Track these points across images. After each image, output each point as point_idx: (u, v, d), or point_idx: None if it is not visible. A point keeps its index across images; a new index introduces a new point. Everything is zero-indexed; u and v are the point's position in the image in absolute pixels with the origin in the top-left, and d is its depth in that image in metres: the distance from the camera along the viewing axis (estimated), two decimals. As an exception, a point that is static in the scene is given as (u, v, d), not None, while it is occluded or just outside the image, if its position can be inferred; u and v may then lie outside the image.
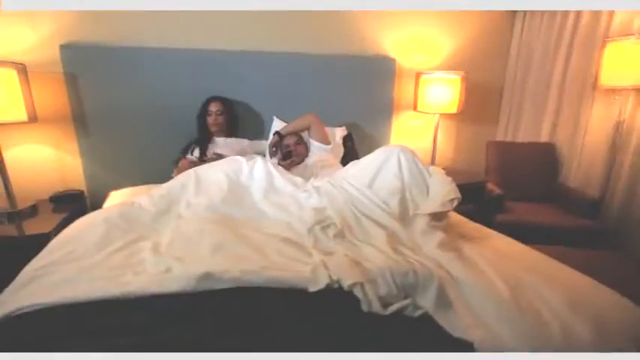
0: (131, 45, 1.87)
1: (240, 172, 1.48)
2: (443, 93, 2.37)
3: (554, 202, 2.41)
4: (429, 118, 2.56)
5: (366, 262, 0.98)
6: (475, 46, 2.60)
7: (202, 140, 1.90)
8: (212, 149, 1.88)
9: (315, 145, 1.99)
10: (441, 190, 1.29)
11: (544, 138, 2.58)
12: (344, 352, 0.73)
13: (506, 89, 2.80)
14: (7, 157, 1.70)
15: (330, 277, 0.90)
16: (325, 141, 2.00)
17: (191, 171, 1.52)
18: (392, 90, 2.48)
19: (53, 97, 1.77)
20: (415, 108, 2.46)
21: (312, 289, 0.89)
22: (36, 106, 1.68)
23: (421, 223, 1.16)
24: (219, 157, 1.74)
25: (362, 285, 0.87)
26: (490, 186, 2.42)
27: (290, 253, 1.08)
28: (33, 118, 1.66)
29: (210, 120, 1.92)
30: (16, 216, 1.65)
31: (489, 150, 2.63)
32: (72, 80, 1.78)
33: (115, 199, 1.70)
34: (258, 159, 1.54)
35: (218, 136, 1.97)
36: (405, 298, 0.88)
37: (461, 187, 2.24)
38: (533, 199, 2.45)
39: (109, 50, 1.83)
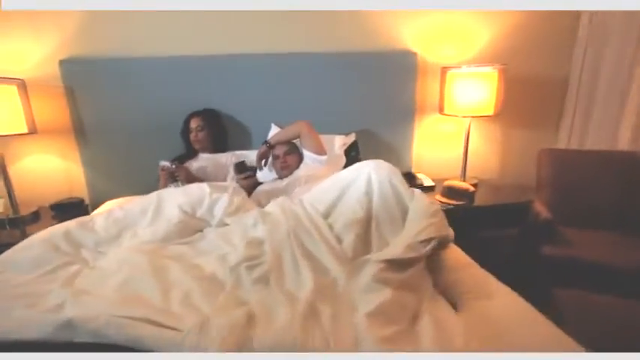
0: (125, 56, 1.86)
1: (199, 206, 1.33)
2: (475, 91, 1.93)
3: (632, 232, 1.81)
4: (461, 121, 2.13)
5: (259, 329, 0.74)
6: (522, 32, 2.09)
7: (186, 157, 1.82)
8: (194, 164, 1.79)
9: (307, 155, 1.76)
10: (414, 226, 0.97)
11: (622, 146, 1.96)
12: None
13: (571, 84, 2.20)
14: (14, 166, 1.82)
15: (194, 342, 0.69)
16: (319, 151, 1.75)
17: (154, 195, 1.42)
18: (413, 90, 2.11)
19: (55, 109, 1.85)
20: (441, 110, 2.06)
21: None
22: (36, 118, 1.77)
23: (369, 273, 0.86)
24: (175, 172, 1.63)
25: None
26: (538, 207, 1.91)
27: (195, 299, 0.89)
28: (33, 130, 1.75)
29: (191, 137, 1.83)
30: (18, 221, 1.75)
31: (542, 160, 2.09)
32: (71, 93, 1.83)
33: (108, 207, 1.71)
34: (224, 197, 1.35)
35: (203, 152, 1.87)
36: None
37: (497, 209, 1.83)
38: (601, 226, 1.87)
39: (104, 63, 1.85)
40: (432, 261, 1.05)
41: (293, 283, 0.91)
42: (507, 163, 2.34)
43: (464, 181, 2.13)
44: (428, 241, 0.92)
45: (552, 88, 2.23)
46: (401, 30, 2.05)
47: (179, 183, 1.60)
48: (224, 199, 1.33)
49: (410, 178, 2.16)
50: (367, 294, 0.81)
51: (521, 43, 2.11)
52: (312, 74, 2.03)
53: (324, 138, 1.84)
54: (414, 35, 2.06)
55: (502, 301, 0.92)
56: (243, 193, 1.47)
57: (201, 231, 1.29)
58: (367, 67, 2.06)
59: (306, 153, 1.76)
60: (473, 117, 2.03)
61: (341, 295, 0.85)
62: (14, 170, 1.86)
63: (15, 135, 1.71)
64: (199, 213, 1.31)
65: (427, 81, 2.13)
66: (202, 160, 1.83)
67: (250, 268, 0.97)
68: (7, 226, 1.71)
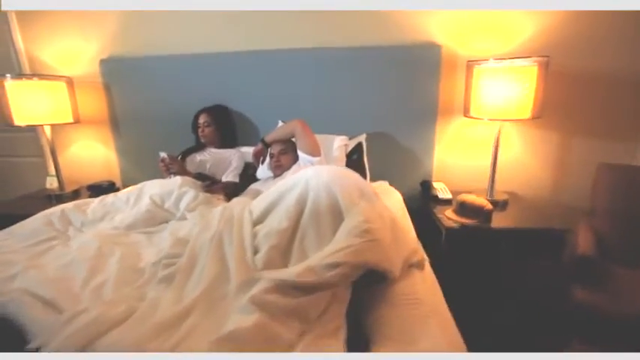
0: (151, 55, 2.03)
1: (168, 198, 1.39)
2: (507, 90, 1.61)
3: None
4: (491, 125, 1.81)
5: (120, 329, 0.73)
6: (575, 20, 1.67)
7: (193, 150, 1.91)
8: (197, 157, 1.87)
9: (300, 156, 1.70)
10: (332, 246, 0.85)
11: None
12: None
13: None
14: (63, 151, 2.16)
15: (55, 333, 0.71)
16: (312, 152, 1.66)
17: (141, 184, 1.53)
18: (436, 88, 1.87)
19: (95, 103, 2.13)
20: (467, 112, 1.77)
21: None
22: (80, 110, 2.06)
23: (252, 291, 0.78)
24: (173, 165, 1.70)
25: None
26: (581, 236, 1.54)
27: (107, 288, 0.92)
28: (77, 120, 2.05)
29: (199, 132, 1.91)
30: (62, 197, 2.07)
31: (600, 177, 1.67)
32: (108, 89, 2.09)
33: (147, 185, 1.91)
34: (191, 191, 1.40)
35: (210, 146, 1.94)
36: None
37: (522, 233, 1.52)
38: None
39: (134, 61, 2.04)
40: (367, 291, 0.92)
41: (191, 287, 0.88)
42: (550, 178, 1.92)
43: (491, 195, 1.81)
44: (334, 266, 0.79)
45: (623, 88, 1.74)
46: (423, 20, 1.82)
47: (172, 175, 1.69)
48: (190, 193, 1.36)
49: (425, 188, 1.93)
50: (237, 314, 0.73)
51: (576, 32, 1.69)
52: (325, 70, 1.94)
53: (321, 138, 1.75)
54: (439, 25, 1.81)
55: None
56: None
57: (167, 222, 1.35)
58: (384, 62, 1.89)
59: (300, 153, 1.70)
60: (504, 120, 1.70)
61: (219, 309, 0.79)
62: (62, 154, 2.20)
63: (63, 124, 2.03)
64: (167, 205, 1.37)
65: (454, 78, 1.86)
66: (205, 155, 1.90)
67: (166, 265, 0.97)
68: (54, 201, 2.04)
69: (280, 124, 1.98)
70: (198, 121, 1.92)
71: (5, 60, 2.11)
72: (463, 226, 1.57)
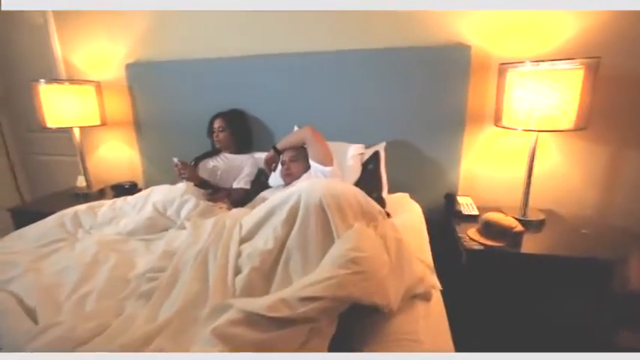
0: (172, 60, 2.05)
1: (170, 205, 1.37)
2: (546, 96, 1.42)
3: None
4: (525, 135, 1.61)
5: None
6: (628, 18, 1.43)
7: (208, 155, 1.90)
8: (210, 163, 1.85)
9: (313, 165, 1.62)
10: (314, 275, 0.76)
11: None
12: None
13: None
14: (91, 152, 2.25)
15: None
16: (323, 161, 1.58)
17: (149, 190, 1.53)
18: (464, 93, 1.70)
19: (120, 106, 2.20)
20: (498, 121, 1.59)
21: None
22: (107, 113, 2.14)
23: (219, 320, 0.71)
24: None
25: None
26: (633, 269, 1.31)
27: (91, 299, 0.91)
28: (104, 122, 2.13)
29: (214, 137, 1.89)
30: (88, 196, 2.17)
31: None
32: (132, 92, 2.15)
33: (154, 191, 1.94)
34: (192, 199, 1.37)
35: (225, 151, 1.92)
36: None
37: (558, 261, 1.32)
38: None
39: (155, 66, 2.08)
40: (358, 324, 0.82)
41: (168, 305, 0.83)
42: (596, 197, 1.67)
43: (524, 214, 1.61)
44: (311, 300, 0.70)
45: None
46: (450, 18, 1.66)
47: (184, 180, 1.68)
48: (191, 201, 1.33)
49: (449, 202, 1.76)
50: (199, 345, 0.67)
51: (629, 30, 1.45)
52: (345, 74, 1.84)
53: (334, 146, 1.66)
54: (468, 24, 1.65)
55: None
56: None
57: (167, 230, 1.33)
58: (407, 65, 1.75)
59: (311, 162, 1.62)
60: (541, 132, 1.50)
61: (188, 334, 0.73)
62: (91, 154, 2.31)
63: (91, 126, 2.11)
64: (169, 212, 1.35)
65: (485, 83, 1.69)
66: (218, 160, 1.88)
67: (149, 280, 0.93)
68: (81, 199, 2.14)
69: (295, 129, 1.92)
70: (213, 125, 1.91)
71: (44, 64, 2.25)
72: (487, 249, 1.40)
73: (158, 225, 1.33)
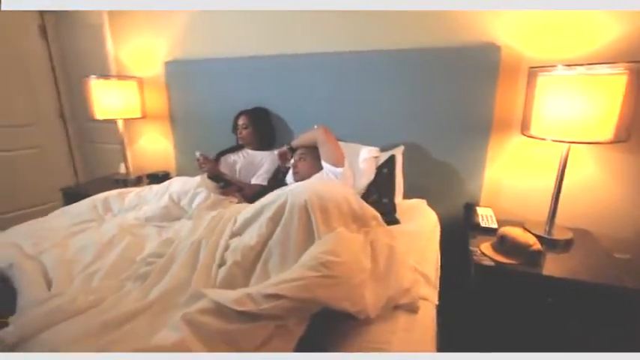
0: (209, 57, 2.17)
1: (184, 196, 1.46)
2: (580, 104, 1.29)
3: None
4: (557, 145, 1.47)
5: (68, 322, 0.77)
6: None
7: (231, 150, 1.98)
8: (231, 157, 1.94)
9: (325, 166, 1.62)
10: (286, 274, 0.78)
11: None
12: None
13: None
14: (134, 143, 2.46)
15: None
16: (334, 161, 1.58)
17: (170, 181, 1.65)
18: (492, 97, 1.60)
19: (158, 100, 2.37)
20: (526, 130, 1.47)
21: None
22: (147, 107, 2.33)
23: (191, 307, 0.75)
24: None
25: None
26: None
27: (97, 277, 1.01)
28: (144, 116, 2.32)
29: (237, 133, 1.97)
30: (127, 182, 2.38)
31: None
32: (169, 88, 2.31)
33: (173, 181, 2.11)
34: (203, 192, 1.45)
35: (247, 148, 1.99)
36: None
37: (585, 287, 1.23)
38: None
39: (189, 63, 2.22)
40: (335, 327, 0.82)
41: (157, 289, 0.90)
42: (638, 217, 1.48)
43: (549, 232, 1.48)
44: (275, 297, 0.71)
45: None
46: (477, 17, 1.56)
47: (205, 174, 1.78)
48: (203, 194, 1.41)
49: (468, 211, 1.68)
50: (167, 329, 0.72)
51: None
52: (367, 74, 1.82)
53: (347, 147, 1.65)
54: (497, 23, 1.54)
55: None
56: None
57: (180, 219, 1.43)
58: (430, 66, 1.70)
59: (323, 163, 1.63)
60: (573, 143, 1.36)
61: (165, 317, 0.78)
62: (133, 144, 2.53)
63: (133, 119, 2.32)
64: (183, 202, 1.45)
65: (515, 87, 1.57)
66: (239, 156, 1.96)
67: (148, 264, 1.01)
68: (121, 184, 2.35)
69: (315, 128, 1.93)
70: (237, 122, 1.99)
71: (99, 61, 2.49)
72: (497, 265, 1.31)
73: (172, 214, 1.43)
